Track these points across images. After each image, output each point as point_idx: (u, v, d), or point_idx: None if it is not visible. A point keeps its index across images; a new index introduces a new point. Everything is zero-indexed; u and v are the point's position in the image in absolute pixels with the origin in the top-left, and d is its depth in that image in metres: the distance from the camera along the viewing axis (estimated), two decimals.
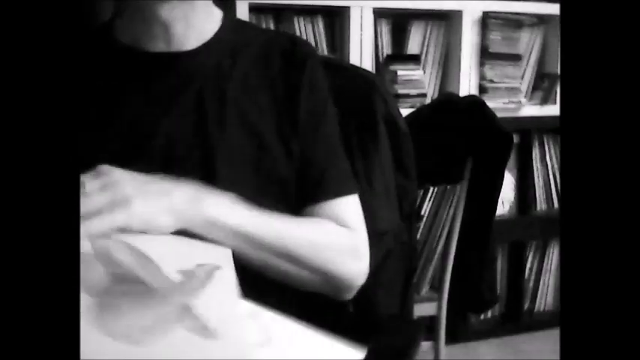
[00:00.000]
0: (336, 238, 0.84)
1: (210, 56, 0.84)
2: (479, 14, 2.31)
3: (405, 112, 1.42)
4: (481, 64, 2.35)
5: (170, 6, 0.80)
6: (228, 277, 0.59)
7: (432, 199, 1.71)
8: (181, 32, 0.83)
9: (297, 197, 0.86)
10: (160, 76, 0.82)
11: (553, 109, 2.44)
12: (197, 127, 0.81)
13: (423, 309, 1.72)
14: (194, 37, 0.84)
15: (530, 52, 2.52)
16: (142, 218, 0.67)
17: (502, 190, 1.58)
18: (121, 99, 0.82)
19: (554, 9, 2.39)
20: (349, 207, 0.87)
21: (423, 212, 1.70)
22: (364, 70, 1.34)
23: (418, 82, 2.27)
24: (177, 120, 0.81)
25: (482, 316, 2.55)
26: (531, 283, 2.64)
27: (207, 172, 0.80)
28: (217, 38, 0.86)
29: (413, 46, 2.35)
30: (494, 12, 2.33)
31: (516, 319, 2.59)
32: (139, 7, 0.82)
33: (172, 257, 0.61)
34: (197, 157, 0.80)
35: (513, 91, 2.39)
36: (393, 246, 1.19)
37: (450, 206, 1.69)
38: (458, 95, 2.11)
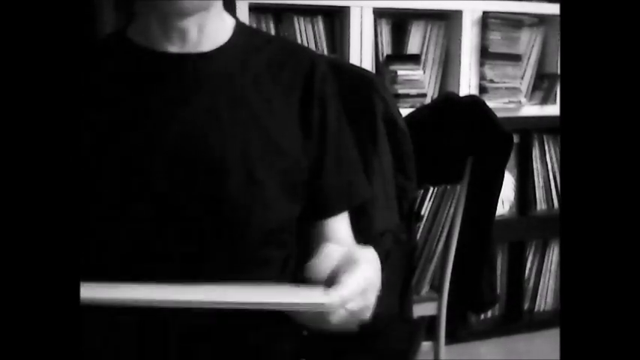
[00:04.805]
0: None
1: (223, 59, 0.88)
2: (479, 14, 2.31)
3: (405, 112, 1.42)
4: (481, 64, 2.35)
5: (186, 18, 0.84)
6: None
7: (432, 199, 1.70)
8: (196, 37, 0.87)
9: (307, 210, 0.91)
10: (175, 75, 0.85)
11: (553, 109, 2.44)
12: (211, 127, 0.83)
13: (423, 309, 1.72)
14: (208, 42, 0.88)
15: (530, 52, 2.51)
16: None
17: (502, 190, 1.58)
18: (136, 97, 0.84)
19: (554, 9, 2.39)
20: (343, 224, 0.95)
21: (423, 212, 1.70)
22: (364, 70, 1.34)
23: (418, 82, 2.27)
24: (191, 119, 0.83)
25: (482, 316, 2.55)
26: (531, 283, 2.64)
27: (220, 171, 0.82)
28: (230, 44, 0.90)
29: (413, 46, 2.35)
30: (494, 12, 2.33)
31: (516, 319, 2.59)
32: (156, 18, 0.85)
33: None
34: (211, 155, 0.82)
35: (513, 91, 2.39)
36: (392, 246, 1.19)
37: (450, 206, 1.68)
38: (458, 95, 2.11)
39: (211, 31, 0.88)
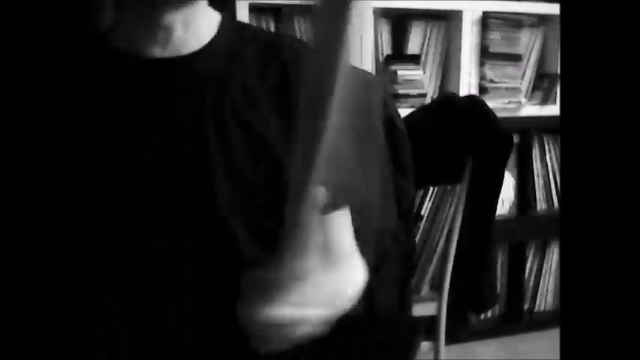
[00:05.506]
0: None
1: (207, 60, 0.85)
2: (479, 14, 2.31)
3: (405, 112, 1.41)
4: (481, 64, 2.35)
5: (172, 11, 0.82)
6: None
7: (432, 199, 1.71)
8: (181, 36, 0.84)
9: None
10: (157, 81, 0.83)
11: (553, 109, 2.44)
12: (196, 132, 0.81)
13: (423, 309, 1.72)
14: (193, 40, 0.85)
15: (530, 52, 2.51)
16: None
17: (502, 190, 1.58)
18: (118, 104, 0.82)
19: (554, 9, 2.39)
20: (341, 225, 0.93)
21: (423, 212, 1.70)
22: (362, 70, 1.34)
23: (418, 82, 2.26)
24: (175, 125, 0.81)
25: (482, 316, 2.55)
26: (531, 283, 2.64)
27: (206, 177, 0.80)
28: (215, 41, 0.87)
29: (413, 46, 2.34)
30: (494, 12, 2.33)
31: (516, 319, 2.59)
32: (141, 14, 0.83)
33: None
34: (196, 163, 0.80)
35: (513, 91, 2.39)
36: (391, 245, 1.19)
37: (450, 206, 1.69)
38: (458, 95, 2.11)
39: (197, 28, 0.85)
